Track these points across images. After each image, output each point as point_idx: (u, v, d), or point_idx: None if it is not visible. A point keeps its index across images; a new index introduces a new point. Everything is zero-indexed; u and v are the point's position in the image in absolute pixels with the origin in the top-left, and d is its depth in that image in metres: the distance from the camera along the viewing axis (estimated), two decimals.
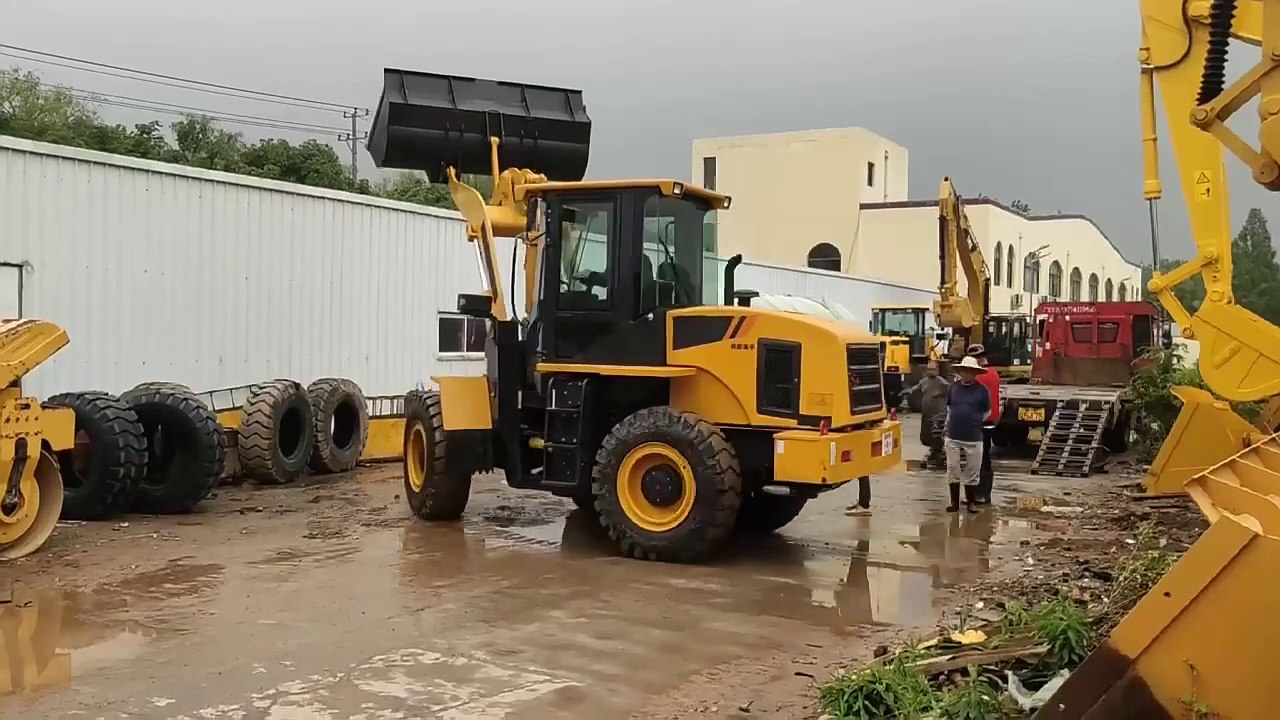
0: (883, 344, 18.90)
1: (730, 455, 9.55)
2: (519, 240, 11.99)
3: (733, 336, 9.92)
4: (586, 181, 11.26)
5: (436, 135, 12.97)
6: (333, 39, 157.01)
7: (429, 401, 11.59)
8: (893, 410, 11.24)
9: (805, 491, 10.25)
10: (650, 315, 10.24)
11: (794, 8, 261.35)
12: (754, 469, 9.72)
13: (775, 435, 9.50)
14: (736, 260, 11.50)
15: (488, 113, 13.24)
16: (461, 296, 11.58)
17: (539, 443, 10.74)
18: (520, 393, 11.03)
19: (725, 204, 11.41)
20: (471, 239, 12.18)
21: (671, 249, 11.01)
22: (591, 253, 11.16)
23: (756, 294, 11.72)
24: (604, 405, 10.31)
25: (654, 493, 9.80)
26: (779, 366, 9.73)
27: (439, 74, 13.43)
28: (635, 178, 10.67)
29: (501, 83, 13.73)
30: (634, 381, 10.23)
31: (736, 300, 11.12)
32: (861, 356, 10.17)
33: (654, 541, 9.72)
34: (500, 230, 12.00)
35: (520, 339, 11.31)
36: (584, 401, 10.23)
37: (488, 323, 11.77)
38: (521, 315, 11.62)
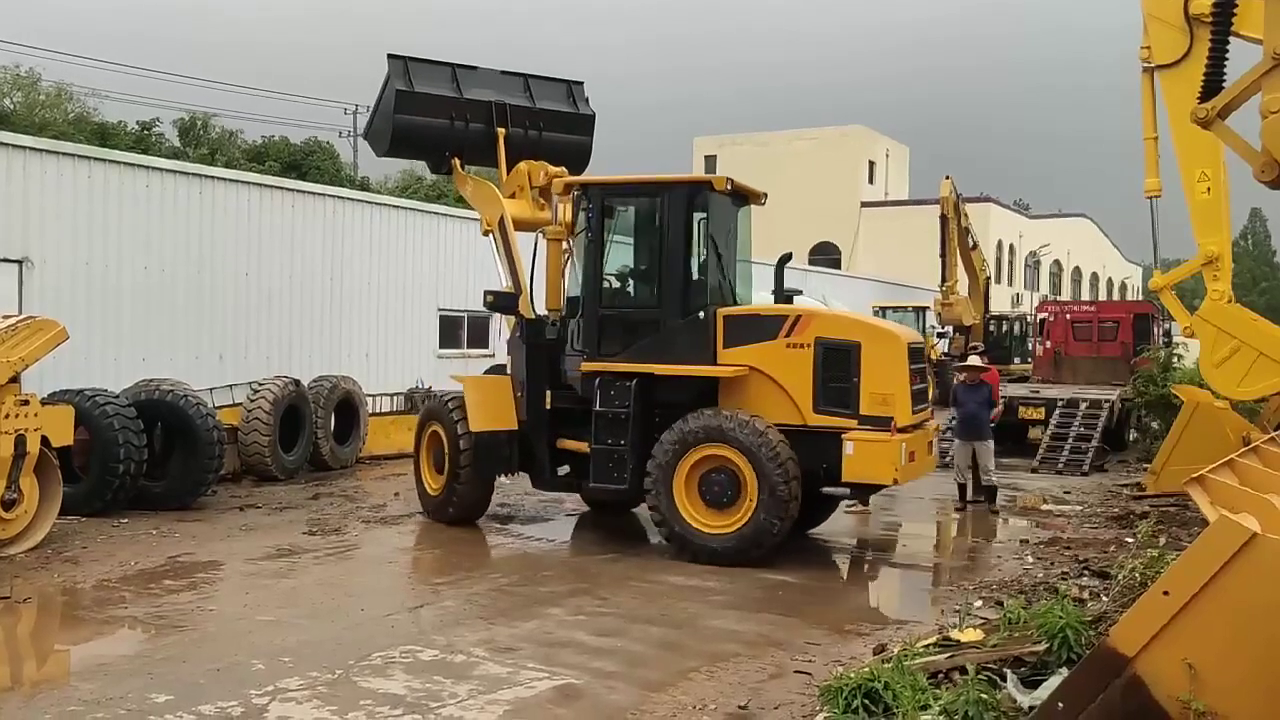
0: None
1: (793, 458, 9.40)
2: (539, 235, 11.67)
3: (787, 335, 9.75)
4: (633, 175, 11.03)
5: (442, 125, 12.58)
6: (333, 36, 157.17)
7: (449, 402, 11.24)
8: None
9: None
10: (700, 314, 10.02)
11: (794, 6, 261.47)
12: (811, 469, 9.56)
13: (843, 436, 9.39)
14: (786, 258, 11.26)
15: (494, 103, 12.86)
16: (488, 293, 11.37)
17: (570, 444, 10.57)
18: (549, 392, 10.79)
19: (762, 200, 11.16)
20: (486, 233, 11.90)
21: (715, 246, 10.70)
22: (635, 249, 10.93)
23: (800, 292, 11.58)
24: (649, 405, 10.09)
25: (712, 495, 9.58)
26: (837, 366, 9.58)
27: (443, 61, 13.08)
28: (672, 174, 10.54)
29: (505, 72, 13.43)
30: (681, 381, 9.99)
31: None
32: (916, 356, 10.12)
33: (712, 544, 9.49)
34: (517, 224, 11.68)
35: (549, 337, 11.00)
36: (633, 402, 9.98)
37: (498, 319, 11.56)
38: (542, 311, 11.36)
